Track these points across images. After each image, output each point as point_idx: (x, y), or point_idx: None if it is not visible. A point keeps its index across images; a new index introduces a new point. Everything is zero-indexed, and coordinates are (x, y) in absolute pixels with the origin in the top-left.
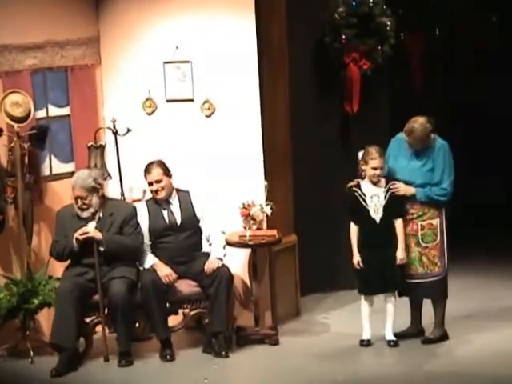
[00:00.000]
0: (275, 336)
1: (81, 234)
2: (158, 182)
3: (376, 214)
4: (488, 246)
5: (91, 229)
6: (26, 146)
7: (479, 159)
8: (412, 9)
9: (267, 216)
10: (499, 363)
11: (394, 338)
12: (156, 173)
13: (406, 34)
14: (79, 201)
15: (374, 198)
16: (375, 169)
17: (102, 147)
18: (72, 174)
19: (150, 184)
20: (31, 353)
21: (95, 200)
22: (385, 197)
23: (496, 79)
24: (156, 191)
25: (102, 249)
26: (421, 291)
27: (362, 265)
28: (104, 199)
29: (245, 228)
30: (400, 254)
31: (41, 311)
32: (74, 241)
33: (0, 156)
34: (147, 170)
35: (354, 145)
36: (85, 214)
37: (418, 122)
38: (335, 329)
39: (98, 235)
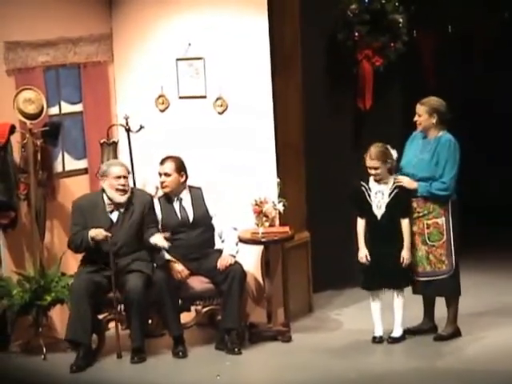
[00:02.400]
0: (288, 333)
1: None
2: (167, 175)
3: (378, 210)
4: (492, 244)
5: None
6: (38, 142)
7: (485, 156)
8: (424, 5)
9: (280, 213)
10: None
11: (397, 335)
12: (168, 166)
13: (418, 30)
14: (122, 180)
15: (378, 195)
16: (370, 168)
17: (115, 144)
18: (85, 170)
19: (159, 175)
20: (44, 349)
21: (130, 185)
22: (389, 195)
23: (504, 77)
24: (162, 183)
25: (114, 249)
26: (432, 289)
27: (368, 259)
28: None
29: (257, 225)
30: (405, 254)
31: (53, 308)
32: (90, 239)
33: (13, 153)
34: (162, 160)
35: (366, 142)
36: (122, 199)
37: (435, 98)
38: (348, 325)
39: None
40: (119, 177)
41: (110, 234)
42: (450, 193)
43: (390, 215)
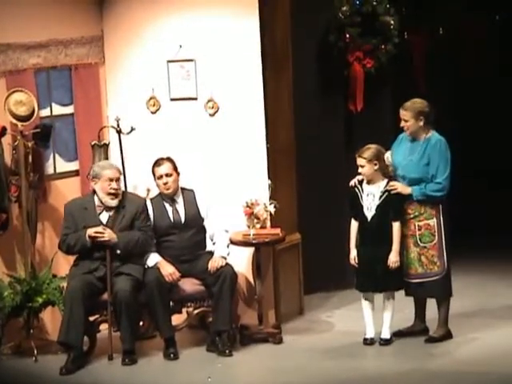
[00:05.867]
0: (279, 335)
1: (96, 233)
2: (168, 175)
3: (368, 211)
4: (484, 246)
5: (107, 232)
6: (29, 144)
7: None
8: (415, 8)
9: (271, 215)
10: (504, 362)
11: (386, 337)
12: (167, 166)
13: (409, 32)
14: (114, 183)
15: (370, 197)
16: (358, 167)
17: (106, 146)
18: (76, 172)
19: (160, 177)
20: (35, 351)
21: (122, 188)
22: (380, 197)
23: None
24: (166, 184)
25: (118, 252)
26: (423, 291)
27: (356, 261)
28: None
29: (248, 227)
30: (392, 257)
31: (45, 310)
32: (87, 237)
33: (4, 155)
34: (157, 163)
35: (357, 144)
36: (113, 203)
37: (414, 99)
38: (339, 327)
39: (113, 238)
40: (111, 179)
41: (106, 231)
42: (446, 193)
43: (380, 217)
